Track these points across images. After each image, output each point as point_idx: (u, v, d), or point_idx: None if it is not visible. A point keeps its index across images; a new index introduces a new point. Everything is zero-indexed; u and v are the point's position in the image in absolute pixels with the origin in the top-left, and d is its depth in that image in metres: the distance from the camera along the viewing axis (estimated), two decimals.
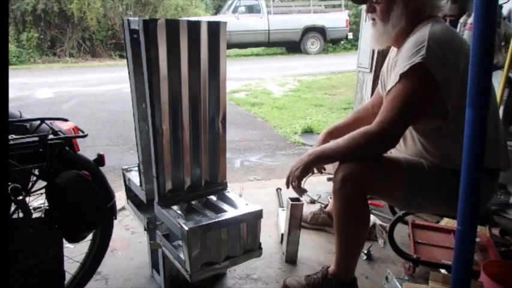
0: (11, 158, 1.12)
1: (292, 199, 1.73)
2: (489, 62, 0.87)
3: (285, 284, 1.59)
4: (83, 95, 6.07)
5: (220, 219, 1.29)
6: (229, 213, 1.34)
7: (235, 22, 10.17)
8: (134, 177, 1.60)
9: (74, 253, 1.50)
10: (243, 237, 1.34)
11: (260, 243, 1.41)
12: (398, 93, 1.26)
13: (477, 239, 1.74)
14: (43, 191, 1.25)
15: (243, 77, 7.57)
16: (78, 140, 1.34)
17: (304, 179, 1.40)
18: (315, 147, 1.55)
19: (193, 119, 1.36)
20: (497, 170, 1.39)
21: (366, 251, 1.82)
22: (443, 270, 1.61)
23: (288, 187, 1.45)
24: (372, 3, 1.40)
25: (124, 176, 1.67)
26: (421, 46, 1.24)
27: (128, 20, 1.31)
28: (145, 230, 1.57)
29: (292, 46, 11.76)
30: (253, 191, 2.62)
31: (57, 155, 1.24)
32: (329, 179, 2.23)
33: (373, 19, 1.43)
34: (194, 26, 1.26)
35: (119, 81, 6.81)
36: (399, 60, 1.32)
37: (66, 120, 1.42)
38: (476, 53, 0.85)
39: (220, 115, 1.42)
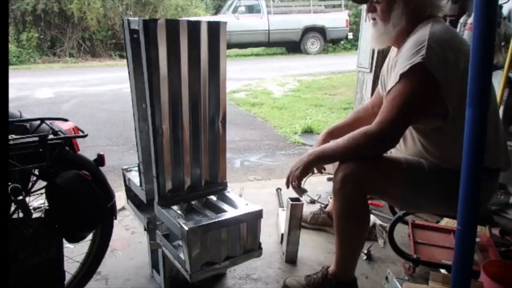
0: (11, 158, 1.12)
1: (292, 199, 1.73)
2: (489, 62, 0.87)
3: (285, 284, 1.59)
4: (83, 95, 6.07)
5: (220, 219, 1.29)
6: (229, 213, 1.34)
7: (235, 22, 10.17)
8: (134, 177, 1.60)
9: (74, 253, 1.50)
10: (243, 237, 1.34)
11: (260, 243, 1.41)
12: (399, 93, 1.26)
13: (477, 239, 1.74)
14: (43, 191, 1.25)
15: (243, 77, 7.58)
16: (78, 140, 1.34)
17: (304, 179, 1.40)
18: (315, 147, 1.55)
19: (193, 119, 1.36)
20: (497, 170, 1.39)
21: (366, 251, 1.82)
22: (443, 270, 1.61)
23: (287, 187, 1.45)
24: (373, 3, 1.40)
25: (124, 176, 1.67)
26: (421, 46, 1.24)
27: (128, 20, 1.31)
28: (145, 230, 1.57)
29: (292, 46, 11.76)
30: (253, 191, 2.62)
31: (57, 155, 1.24)
32: (329, 179, 2.23)
33: (374, 19, 1.43)
34: (194, 26, 1.26)
35: (119, 81, 6.81)
36: (399, 60, 1.32)
37: (66, 120, 1.42)
38: (476, 53, 0.85)
39: (220, 115, 1.42)
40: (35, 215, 1.25)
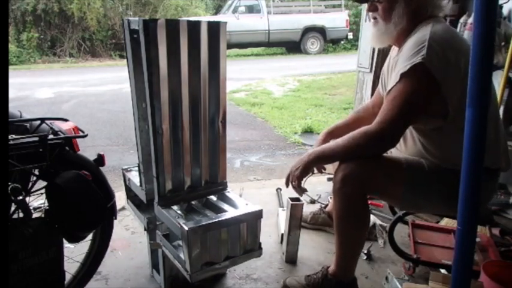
0: (11, 158, 1.12)
1: (292, 199, 1.73)
2: (489, 62, 0.87)
3: (285, 284, 1.58)
4: (83, 95, 6.07)
5: (220, 219, 1.29)
6: (229, 213, 1.34)
7: (235, 22, 10.17)
8: (134, 177, 1.59)
9: (74, 253, 1.50)
10: (243, 237, 1.34)
11: (260, 243, 1.41)
12: (399, 92, 1.26)
13: (477, 239, 1.74)
14: (43, 191, 1.25)
15: (243, 77, 7.57)
16: (78, 140, 1.34)
17: (304, 179, 1.40)
18: (315, 147, 1.55)
19: (193, 119, 1.36)
20: (497, 170, 1.39)
21: (366, 251, 1.82)
22: (443, 270, 1.61)
23: (287, 186, 1.45)
24: (374, 2, 1.40)
25: (124, 176, 1.67)
26: (422, 46, 1.24)
27: (128, 20, 1.31)
28: (145, 230, 1.57)
29: (292, 46, 11.75)
30: (253, 191, 2.62)
31: (57, 155, 1.24)
32: (329, 179, 2.23)
33: (375, 18, 1.43)
34: (194, 26, 1.26)
35: (119, 81, 6.81)
36: (400, 60, 1.32)
37: (66, 120, 1.42)
38: (476, 53, 0.85)
39: (220, 115, 1.42)
40: (35, 215, 1.25)
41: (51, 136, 1.25)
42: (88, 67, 9.83)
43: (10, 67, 8.46)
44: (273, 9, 11.41)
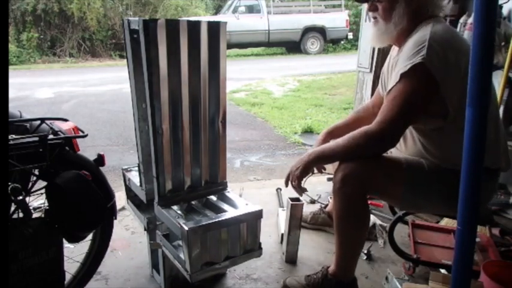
0: (11, 158, 1.12)
1: (292, 199, 1.73)
2: (489, 62, 0.87)
3: (285, 284, 1.58)
4: (83, 95, 6.07)
5: (220, 219, 1.29)
6: (229, 213, 1.34)
7: (235, 22, 10.17)
8: (134, 177, 1.59)
9: (74, 253, 1.50)
10: (243, 237, 1.34)
11: (260, 243, 1.41)
12: (399, 92, 1.26)
13: (477, 239, 1.74)
14: (43, 191, 1.25)
15: (243, 77, 7.57)
16: (78, 140, 1.34)
17: (304, 179, 1.40)
18: (315, 147, 1.55)
19: (193, 119, 1.36)
20: (497, 170, 1.39)
21: (366, 251, 1.82)
22: (443, 270, 1.61)
23: (286, 186, 1.45)
24: (374, 2, 1.40)
25: (124, 176, 1.67)
26: (422, 46, 1.24)
27: (128, 20, 1.31)
28: (145, 230, 1.57)
29: (292, 46, 11.75)
30: (253, 191, 2.62)
31: (57, 155, 1.24)
32: (329, 179, 2.22)
33: (375, 18, 1.43)
34: (194, 26, 1.26)
35: (119, 81, 6.81)
36: (400, 60, 1.32)
37: (66, 120, 1.42)
38: (476, 53, 0.85)
39: (220, 115, 1.42)
40: (35, 215, 1.25)
41: (51, 136, 1.25)
42: (88, 67, 9.83)
43: (10, 67, 8.46)
44: (273, 9, 11.41)
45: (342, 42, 12.57)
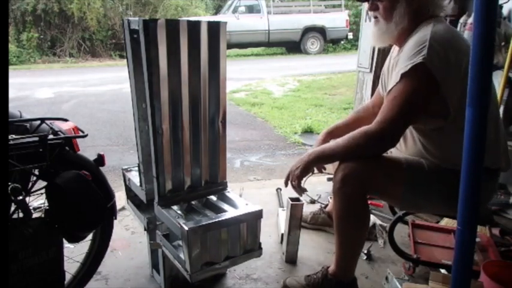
0: (11, 158, 1.12)
1: (292, 199, 1.73)
2: (489, 62, 0.87)
3: (285, 284, 1.58)
4: (83, 95, 6.07)
5: (220, 219, 1.29)
6: (229, 213, 1.34)
7: (235, 22, 10.17)
8: (134, 177, 1.59)
9: (74, 253, 1.50)
10: (243, 237, 1.34)
11: (260, 243, 1.41)
12: (399, 92, 1.26)
13: (477, 239, 1.74)
14: (43, 191, 1.25)
15: (243, 77, 7.57)
16: (78, 140, 1.34)
17: (304, 179, 1.40)
18: (315, 147, 1.55)
19: (193, 119, 1.36)
20: (497, 170, 1.39)
21: (366, 251, 1.82)
22: (443, 270, 1.61)
23: (286, 186, 1.45)
24: (375, 1, 1.40)
25: (124, 176, 1.67)
26: (423, 46, 1.24)
27: (128, 20, 1.31)
28: (145, 230, 1.57)
29: (292, 46, 11.75)
30: (253, 191, 2.62)
31: (57, 155, 1.24)
32: (329, 179, 2.23)
33: (376, 17, 1.43)
34: (194, 26, 1.26)
35: (119, 81, 6.81)
36: (400, 60, 1.32)
37: (66, 120, 1.42)
38: (476, 53, 0.85)
39: (220, 115, 1.42)
40: (35, 215, 1.25)
41: (51, 136, 1.25)
42: (88, 67, 9.83)
43: (10, 67, 8.45)
44: (273, 9, 11.41)
45: (342, 42, 12.57)
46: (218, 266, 1.32)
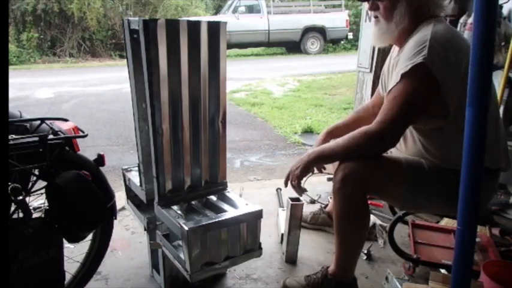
0: (11, 158, 1.12)
1: (292, 199, 1.73)
2: (489, 62, 0.87)
3: (285, 285, 1.58)
4: (83, 95, 6.07)
5: (220, 219, 1.29)
6: (229, 213, 1.34)
7: (235, 22, 10.17)
8: (134, 177, 1.59)
9: (74, 253, 1.50)
10: (243, 237, 1.34)
11: (260, 243, 1.41)
12: (399, 92, 1.26)
13: (477, 239, 1.74)
14: (43, 191, 1.25)
15: (243, 77, 7.57)
16: (78, 140, 1.34)
17: (304, 179, 1.40)
18: (315, 147, 1.55)
19: (193, 119, 1.36)
20: (497, 170, 1.39)
21: (366, 251, 1.82)
22: (443, 270, 1.61)
23: (286, 186, 1.45)
24: (375, 1, 1.40)
25: (124, 176, 1.67)
26: (423, 46, 1.24)
27: (128, 20, 1.31)
28: (145, 230, 1.57)
29: (292, 46, 11.75)
30: (253, 191, 2.62)
31: (57, 155, 1.24)
32: (329, 179, 2.23)
33: (376, 17, 1.43)
34: (194, 26, 1.26)
35: (119, 81, 6.81)
36: (401, 60, 1.32)
37: (66, 120, 1.42)
38: (476, 53, 0.85)
39: (220, 115, 1.42)
40: (35, 215, 1.25)
41: (51, 136, 1.25)
42: (88, 67, 9.83)
43: (10, 67, 8.45)
44: (273, 9, 11.41)
45: (342, 42, 12.57)
46: (218, 266, 1.32)
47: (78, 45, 11.12)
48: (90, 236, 1.43)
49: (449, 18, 2.35)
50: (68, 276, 1.41)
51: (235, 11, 10.92)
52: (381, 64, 2.22)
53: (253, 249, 1.39)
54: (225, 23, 1.33)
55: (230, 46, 10.28)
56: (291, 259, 1.81)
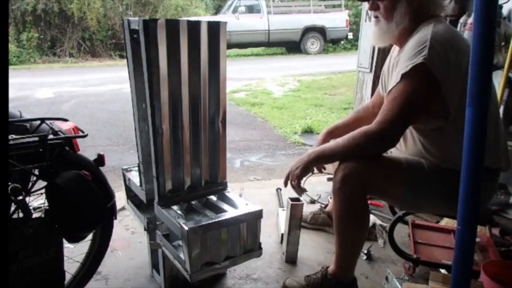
0: (11, 158, 1.12)
1: (292, 199, 1.73)
2: (489, 62, 0.87)
3: (285, 285, 1.58)
4: (83, 95, 6.07)
5: (220, 219, 1.29)
6: (229, 213, 1.34)
7: (235, 22, 10.17)
8: (134, 177, 1.60)
9: (74, 253, 1.50)
10: (243, 237, 1.34)
11: (260, 243, 1.41)
12: (399, 93, 1.26)
13: (477, 239, 1.74)
14: (43, 191, 1.25)
15: (243, 77, 7.57)
16: (78, 140, 1.34)
17: (304, 179, 1.40)
18: (315, 147, 1.55)
19: (193, 119, 1.36)
20: (497, 170, 1.39)
21: (366, 251, 1.82)
22: (443, 270, 1.61)
23: (285, 185, 1.45)
24: (375, 1, 1.40)
25: (124, 176, 1.67)
26: (424, 46, 1.24)
27: (128, 20, 1.31)
28: (145, 230, 1.57)
29: (292, 46, 11.75)
30: (253, 191, 2.62)
31: (57, 155, 1.24)
32: (329, 179, 2.23)
33: (376, 17, 1.43)
34: (194, 26, 1.26)
35: (119, 81, 6.81)
36: (401, 60, 1.32)
37: (66, 120, 1.42)
38: (476, 53, 0.85)
39: (220, 115, 1.42)
40: (35, 215, 1.25)
41: (51, 136, 1.25)
42: (88, 67, 9.83)
43: (10, 67, 8.46)
44: (273, 9, 11.41)
45: (342, 42, 12.57)
46: (218, 266, 1.32)
47: (78, 45, 11.12)
48: (90, 236, 1.43)
49: (449, 18, 2.35)
50: (68, 276, 1.41)
51: (235, 11, 10.92)
52: (381, 64, 2.22)
53: (253, 249, 1.39)
54: (225, 23, 1.33)
55: (230, 46, 10.28)
56: (291, 259, 1.81)
